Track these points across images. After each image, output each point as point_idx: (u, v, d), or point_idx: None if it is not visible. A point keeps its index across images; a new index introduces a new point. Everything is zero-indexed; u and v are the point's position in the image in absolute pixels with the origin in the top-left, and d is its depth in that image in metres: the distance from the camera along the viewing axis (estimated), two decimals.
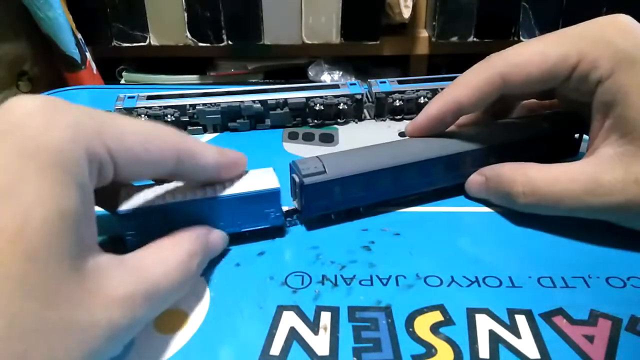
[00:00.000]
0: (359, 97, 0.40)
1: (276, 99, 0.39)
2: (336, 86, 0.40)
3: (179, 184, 0.25)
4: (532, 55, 0.27)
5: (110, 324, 0.18)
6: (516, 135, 0.31)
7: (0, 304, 0.16)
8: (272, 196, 0.26)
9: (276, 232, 0.28)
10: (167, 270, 0.21)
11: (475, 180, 0.30)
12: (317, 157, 0.28)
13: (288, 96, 0.39)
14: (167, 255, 0.22)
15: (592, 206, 0.25)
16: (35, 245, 0.16)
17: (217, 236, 0.25)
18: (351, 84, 0.40)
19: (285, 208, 0.28)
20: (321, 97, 0.39)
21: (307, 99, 0.39)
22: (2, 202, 0.16)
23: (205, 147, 0.24)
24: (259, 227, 0.27)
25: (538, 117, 0.33)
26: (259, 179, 0.26)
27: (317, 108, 0.39)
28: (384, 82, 0.41)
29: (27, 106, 0.18)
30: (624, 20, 0.26)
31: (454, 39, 0.73)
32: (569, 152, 0.33)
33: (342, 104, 0.39)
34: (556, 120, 0.32)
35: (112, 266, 0.19)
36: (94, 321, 0.17)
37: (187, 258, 0.22)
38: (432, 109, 0.29)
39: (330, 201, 0.28)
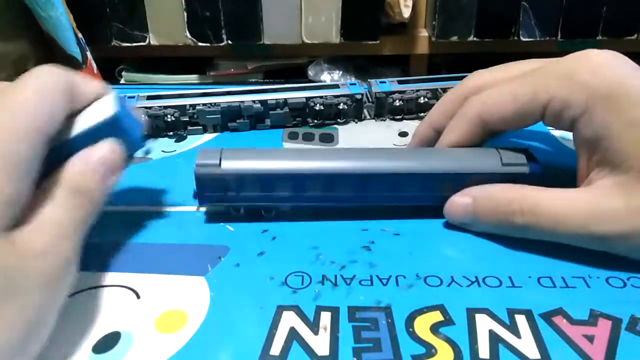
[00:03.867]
0: (359, 97, 0.40)
1: (276, 99, 0.39)
2: (336, 86, 0.40)
3: None
4: (503, 96, 0.27)
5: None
6: (462, 165, 0.29)
7: None
8: (113, 124, 0.25)
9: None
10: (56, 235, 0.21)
11: (458, 202, 0.28)
12: (221, 149, 0.28)
13: (288, 96, 0.39)
14: (52, 218, 0.22)
15: (594, 233, 0.24)
16: None
17: (104, 150, 0.25)
18: (351, 84, 0.40)
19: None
20: (321, 97, 0.39)
21: (307, 99, 0.39)
22: None
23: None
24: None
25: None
26: (96, 112, 0.25)
27: (317, 108, 0.39)
28: (384, 82, 0.41)
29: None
30: (593, 56, 0.26)
31: (454, 38, 0.73)
32: None
33: (342, 104, 0.39)
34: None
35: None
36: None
37: (75, 204, 0.23)
38: (416, 137, 0.32)
39: (225, 195, 0.28)
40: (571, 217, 0.25)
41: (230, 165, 0.28)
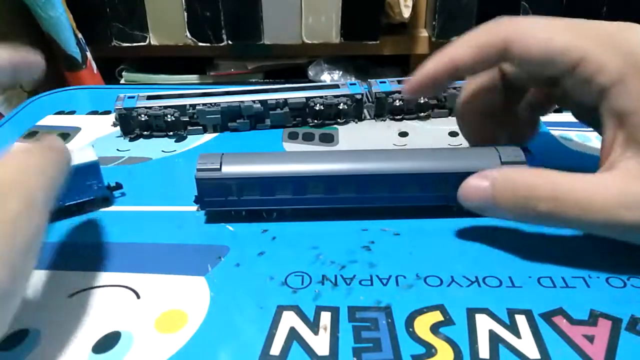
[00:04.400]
0: (359, 97, 0.40)
1: (276, 99, 0.39)
2: (336, 86, 0.40)
3: None
4: (539, 30, 0.25)
5: None
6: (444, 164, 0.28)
7: None
8: (91, 168, 0.29)
9: (102, 203, 0.31)
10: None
11: (475, 185, 0.26)
12: (221, 153, 0.28)
13: (288, 96, 0.39)
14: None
15: (624, 220, 0.22)
16: None
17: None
18: (351, 84, 0.40)
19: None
20: (321, 97, 0.39)
21: (307, 99, 0.39)
22: None
23: None
24: (84, 200, 0.30)
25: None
26: (79, 155, 0.28)
27: (317, 108, 0.39)
28: (384, 82, 0.41)
29: None
30: (639, 28, 0.24)
31: (454, 38, 0.73)
32: None
33: (342, 104, 0.39)
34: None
35: None
36: None
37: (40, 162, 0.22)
38: (428, 67, 0.28)
39: (226, 200, 0.28)
40: (600, 203, 0.23)
41: (231, 169, 0.28)
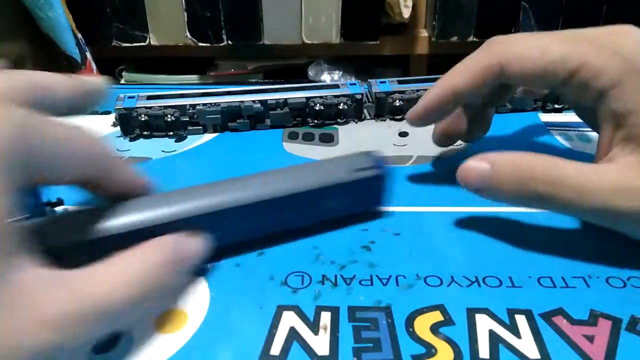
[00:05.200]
0: (359, 97, 0.40)
1: (276, 99, 0.39)
2: (336, 86, 0.40)
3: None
4: (532, 49, 0.26)
5: (37, 348, 0.16)
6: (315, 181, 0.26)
7: None
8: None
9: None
10: (119, 285, 0.19)
11: (475, 167, 0.26)
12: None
13: (288, 96, 0.39)
14: (124, 269, 0.20)
15: (620, 209, 0.23)
16: None
17: (193, 243, 0.24)
18: (351, 84, 0.40)
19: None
20: (321, 97, 0.39)
21: (307, 99, 0.39)
22: None
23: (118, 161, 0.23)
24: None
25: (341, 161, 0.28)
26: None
27: (317, 108, 0.39)
28: (384, 82, 0.41)
29: None
30: (635, 31, 0.25)
31: (454, 38, 0.73)
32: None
33: (342, 104, 0.39)
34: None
35: (48, 281, 0.18)
36: (15, 344, 0.16)
37: (151, 270, 0.21)
38: (430, 97, 0.29)
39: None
40: (597, 189, 0.23)
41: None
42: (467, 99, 0.29)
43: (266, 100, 0.39)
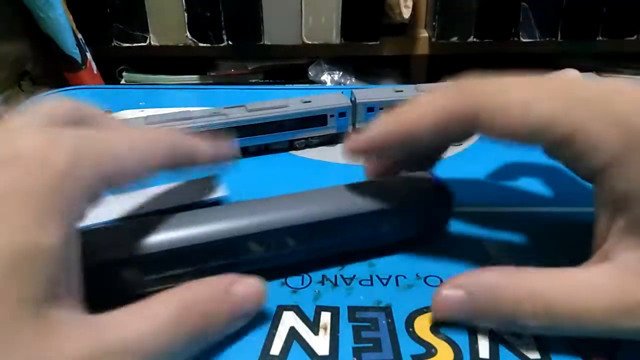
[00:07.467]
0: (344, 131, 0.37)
1: (257, 145, 0.35)
2: (324, 118, 0.37)
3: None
4: (512, 103, 0.20)
5: None
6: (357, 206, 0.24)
7: None
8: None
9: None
10: (146, 331, 0.18)
11: (449, 296, 0.22)
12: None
13: (270, 141, 0.36)
14: (155, 313, 0.19)
15: (620, 328, 0.20)
16: None
17: (246, 287, 0.21)
18: (340, 113, 0.37)
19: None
20: (305, 138, 0.37)
21: (290, 142, 0.36)
22: None
23: (199, 144, 0.24)
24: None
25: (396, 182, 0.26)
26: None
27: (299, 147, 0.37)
28: (372, 110, 0.37)
29: (27, 139, 0.18)
30: (633, 90, 0.20)
31: (454, 39, 0.73)
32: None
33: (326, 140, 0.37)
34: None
35: (77, 323, 0.17)
36: None
37: (183, 316, 0.19)
38: (380, 132, 0.23)
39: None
40: (595, 312, 0.20)
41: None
42: (418, 144, 0.23)
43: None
